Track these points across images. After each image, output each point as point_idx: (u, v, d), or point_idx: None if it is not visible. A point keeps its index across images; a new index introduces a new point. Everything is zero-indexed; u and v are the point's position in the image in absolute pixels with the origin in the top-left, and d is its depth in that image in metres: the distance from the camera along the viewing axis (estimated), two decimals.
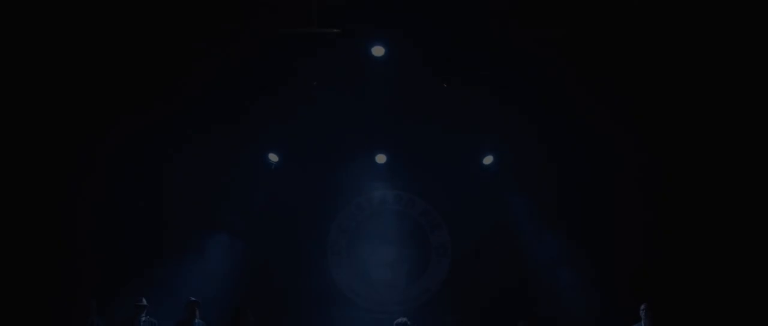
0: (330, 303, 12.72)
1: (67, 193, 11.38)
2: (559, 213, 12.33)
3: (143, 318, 10.68)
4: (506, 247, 12.69)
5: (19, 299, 10.79)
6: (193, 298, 11.10)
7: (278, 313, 11.63)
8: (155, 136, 11.66)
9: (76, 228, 11.47)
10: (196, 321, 10.95)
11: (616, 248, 11.96)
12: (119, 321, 10.81)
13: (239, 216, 12.58)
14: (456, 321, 10.78)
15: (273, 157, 12.69)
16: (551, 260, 12.14)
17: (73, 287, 11.17)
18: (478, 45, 11.06)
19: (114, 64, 10.75)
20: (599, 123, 11.63)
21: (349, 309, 12.89)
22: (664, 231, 11.67)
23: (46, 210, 11.26)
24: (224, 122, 11.80)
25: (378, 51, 11.19)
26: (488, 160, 12.78)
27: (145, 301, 10.82)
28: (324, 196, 13.12)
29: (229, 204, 12.49)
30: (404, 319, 10.55)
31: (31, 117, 10.86)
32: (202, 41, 10.71)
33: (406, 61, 11.25)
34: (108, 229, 11.69)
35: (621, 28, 10.55)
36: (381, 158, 12.95)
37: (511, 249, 12.63)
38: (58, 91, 10.89)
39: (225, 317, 10.73)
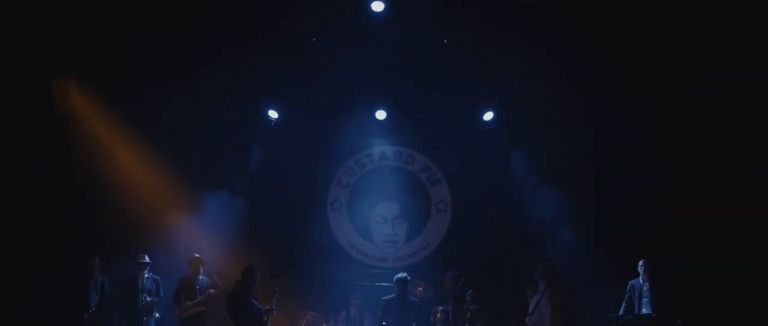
0: (330, 259, 12.72)
1: (69, 151, 11.31)
2: (559, 168, 12.31)
3: (146, 275, 10.74)
4: (506, 203, 12.74)
5: (22, 259, 10.82)
6: (196, 255, 11.20)
7: (278, 269, 11.62)
8: (154, 93, 11.55)
9: (78, 186, 11.42)
10: (200, 277, 11.06)
11: (616, 203, 11.98)
12: (122, 279, 10.85)
13: (239, 173, 12.61)
14: (454, 277, 10.79)
15: (273, 114, 12.65)
16: (550, 216, 12.15)
17: (76, 245, 11.17)
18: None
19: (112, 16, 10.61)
20: (601, 77, 11.56)
21: (350, 264, 12.95)
22: (663, 187, 11.66)
23: (49, 166, 11.22)
24: (223, 79, 11.70)
25: (378, 6, 11.08)
26: (488, 115, 12.77)
27: (147, 258, 10.87)
28: (324, 152, 13.14)
29: (230, 161, 12.49)
30: (404, 274, 10.65)
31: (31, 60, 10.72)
32: None
33: (405, 16, 11.14)
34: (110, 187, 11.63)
35: None
36: (381, 114, 12.91)
37: (511, 205, 12.67)
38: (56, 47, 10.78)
39: (228, 274, 10.80)
